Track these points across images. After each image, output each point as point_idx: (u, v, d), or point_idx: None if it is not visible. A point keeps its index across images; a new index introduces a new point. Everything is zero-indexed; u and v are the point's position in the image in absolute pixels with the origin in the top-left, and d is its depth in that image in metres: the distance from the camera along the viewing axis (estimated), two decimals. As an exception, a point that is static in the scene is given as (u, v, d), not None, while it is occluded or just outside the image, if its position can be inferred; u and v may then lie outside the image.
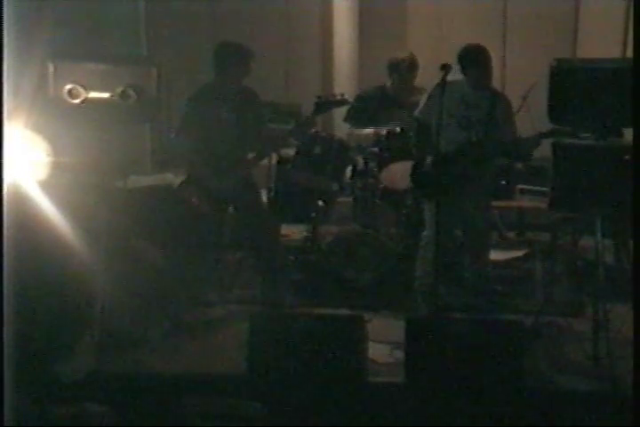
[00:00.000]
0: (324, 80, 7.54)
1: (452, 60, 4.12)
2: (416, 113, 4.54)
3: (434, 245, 4.29)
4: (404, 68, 5.02)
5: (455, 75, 4.11)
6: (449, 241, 4.44)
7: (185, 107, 4.51)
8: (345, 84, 7.21)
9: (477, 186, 4.40)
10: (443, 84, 3.94)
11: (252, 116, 4.58)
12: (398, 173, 4.78)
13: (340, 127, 5.61)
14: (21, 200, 3.25)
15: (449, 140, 4.25)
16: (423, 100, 4.50)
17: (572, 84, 3.65)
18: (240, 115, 4.50)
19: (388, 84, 5.15)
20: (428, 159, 4.32)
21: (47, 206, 3.48)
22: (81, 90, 3.84)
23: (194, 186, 4.46)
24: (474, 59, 4.27)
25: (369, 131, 5.04)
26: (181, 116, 4.53)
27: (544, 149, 4.66)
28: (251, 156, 4.64)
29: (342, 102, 4.56)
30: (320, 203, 5.18)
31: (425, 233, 4.50)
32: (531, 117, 5.60)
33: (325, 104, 4.49)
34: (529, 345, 3.74)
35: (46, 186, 3.46)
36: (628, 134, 4.07)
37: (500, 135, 4.37)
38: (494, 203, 5.33)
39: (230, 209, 4.67)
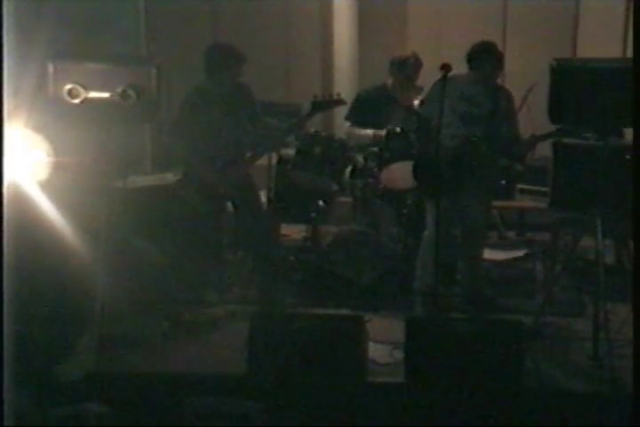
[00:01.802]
0: (324, 80, 7.53)
1: (452, 60, 4.12)
2: (418, 108, 4.53)
3: (434, 244, 4.30)
4: (411, 67, 4.98)
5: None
6: (449, 241, 4.42)
7: (179, 108, 4.51)
8: (345, 83, 7.21)
9: (480, 184, 4.36)
10: (443, 83, 3.94)
11: (246, 114, 4.57)
12: (398, 173, 4.77)
13: (340, 127, 5.60)
14: (21, 200, 3.24)
15: (451, 136, 4.23)
16: (424, 94, 4.50)
17: (572, 84, 3.65)
18: (233, 114, 4.50)
19: (390, 82, 5.12)
20: (431, 156, 4.31)
21: (47, 206, 3.48)
22: (81, 90, 3.84)
23: (190, 184, 4.46)
24: (489, 55, 4.27)
25: (368, 132, 5.03)
26: (175, 118, 4.52)
27: (544, 149, 4.67)
28: (247, 154, 4.64)
29: (338, 102, 4.56)
30: (320, 203, 5.19)
31: (426, 233, 4.49)
32: (531, 117, 5.61)
33: (322, 104, 4.50)
34: (529, 345, 3.74)
35: (46, 186, 3.45)
36: (629, 134, 4.08)
37: (502, 131, 4.33)
38: (494, 203, 5.34)
39: (229, 208, 4.67)
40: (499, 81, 4.62)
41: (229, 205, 4.71)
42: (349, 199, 5.31)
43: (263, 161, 5.23)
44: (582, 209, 3.96)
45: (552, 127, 4.02)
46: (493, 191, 4.56)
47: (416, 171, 4.44)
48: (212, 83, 4.47)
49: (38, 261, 3.57)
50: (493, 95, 4.33)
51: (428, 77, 4.61)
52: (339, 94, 4.59)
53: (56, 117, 3.85)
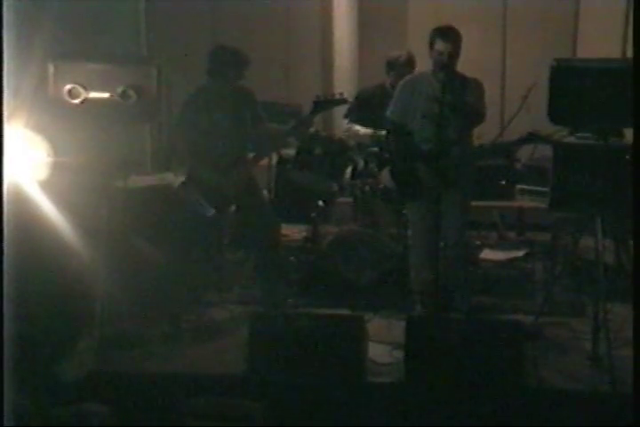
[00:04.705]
0: (324, 80, 7.53)
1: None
2: (388, 113, 4.42)
3: (424, 244, 4.29)
4: (401, 65, 4.99)
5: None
6: (436, 242, 4.35)
7: (180, 109, 4.50)
8: (345, 83, 7.20)
9: (458, 185, 4.26)
10: (444, 84, 3.94)
11: (248, 116, 4.56)
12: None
13: (340, 127, 5.60)
14: (21, 200, 3.25)
15: (426, 139, 4.16)
16: (394, 98, 4.40)
17: (572, 84, 3.65)
18: (235, 115, 4.49)
19: (387, 82, 5.14)
20: (408, 160, 4.30)
21: (47, 206, 3.48)
22: (81, 90, 3.85)
23: (193, 186, 4.45)
24: (444, 40, 4.09)
25: (367, 131, 5.02)
26: (176, 119, 4.52)
27: (544, 149, 4.66)
28: (250, 156, 4.63)
29: (341, 102, 4.55)
30: (320, 203, 5.19)
31: (410, 233, 4.48)
32: (531, 117, 5.61)
33: (324, 103, 4.48)
34: (529, 345, 3.74)
35: (46, 186, 3.45)
36: (629, 134, 4.08)
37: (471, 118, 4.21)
38: (494, 203, 5.34)
39: (231, 209, 4.67)
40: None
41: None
42: (349, 199, 5.31)
43: (263, 161, 5.21)
44: (582, 209, 3.96)
45: (552, 127, 4.02)
46: (472, 192, 4.48)
47: (393, 175, 4.42)
48: (213, 84, 4.46)
49: (38, 261, 3.57)
50: (460, 91, 4.16)
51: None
52: (341, 93, 4.55)
53: (56, 117, 3.85)
